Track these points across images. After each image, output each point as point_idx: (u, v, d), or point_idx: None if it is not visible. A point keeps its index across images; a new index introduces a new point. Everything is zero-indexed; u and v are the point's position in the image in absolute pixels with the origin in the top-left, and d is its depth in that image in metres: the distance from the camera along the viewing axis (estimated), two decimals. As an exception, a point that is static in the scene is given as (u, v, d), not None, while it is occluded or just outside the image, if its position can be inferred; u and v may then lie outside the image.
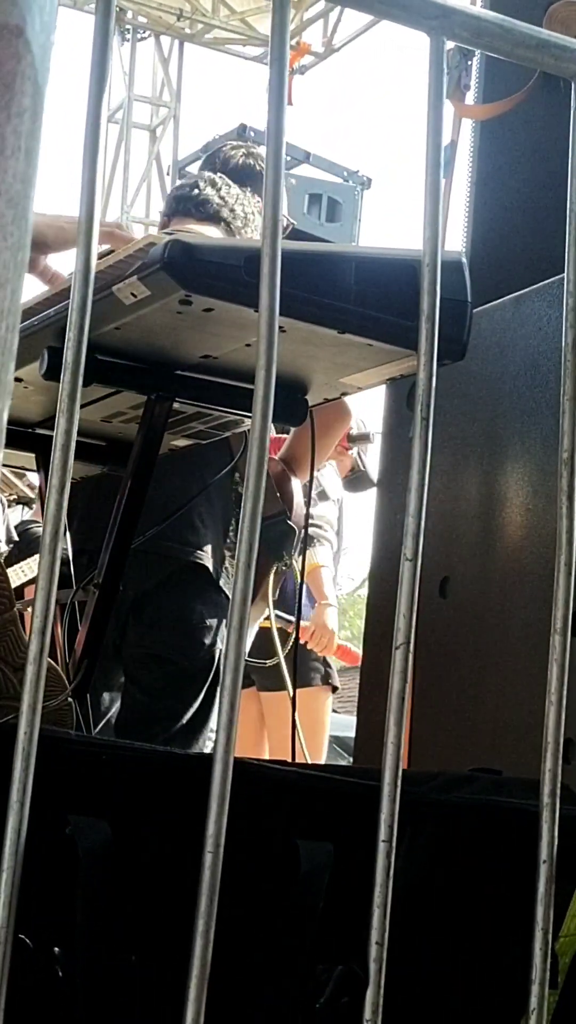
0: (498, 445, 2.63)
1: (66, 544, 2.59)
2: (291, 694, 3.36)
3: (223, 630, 3.13)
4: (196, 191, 3.32)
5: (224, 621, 3.15)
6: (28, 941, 1.40)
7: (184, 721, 3.12)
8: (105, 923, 1.43)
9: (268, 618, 3.60)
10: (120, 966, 1.47)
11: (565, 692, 1.41)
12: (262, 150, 3.33)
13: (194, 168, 12.18)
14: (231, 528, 3.16)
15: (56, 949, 1.43)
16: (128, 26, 13.73)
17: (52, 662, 2.06)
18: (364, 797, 1.43)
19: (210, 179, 3.36)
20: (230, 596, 3.20)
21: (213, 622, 3.16)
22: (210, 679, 3.15)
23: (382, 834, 1.31)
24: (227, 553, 3.17)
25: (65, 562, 2.57)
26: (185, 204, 3.33)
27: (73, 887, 1.41)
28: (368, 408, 5.79)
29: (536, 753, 1.41)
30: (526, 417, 2.55)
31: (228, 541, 3.16)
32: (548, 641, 1.41)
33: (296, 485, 3.24)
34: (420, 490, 1.40)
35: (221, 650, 3.16)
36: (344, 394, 2.27)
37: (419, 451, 1.40)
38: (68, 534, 2.58)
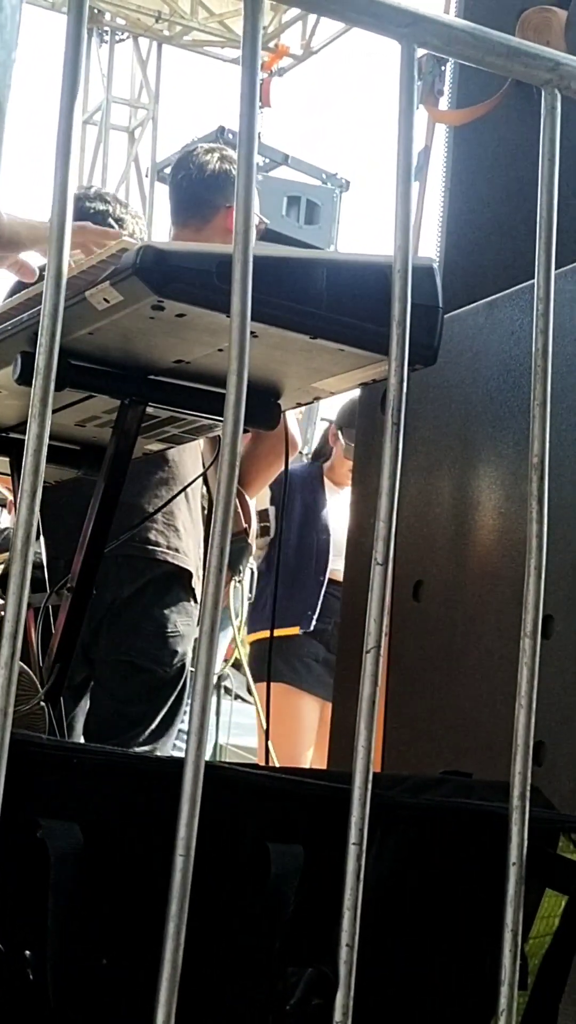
0: (471, 449, 2.65)
1: (40, 548, 2.59)
2: (265, 695, 3.38)
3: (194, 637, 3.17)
4: None
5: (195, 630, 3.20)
6: (-1, 945, 1.40)
7: (153, 726, 3.15)
8: (76, 926, 1.44)
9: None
10: (91, 969, 1.48)
11: (535, 695, 1.42)
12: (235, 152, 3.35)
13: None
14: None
15: (27, 952, 1.43)
16: (106, 28, 13.74)
17: (25, 666, 2.07)
18: (335, 800, 1.44)
19: None
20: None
21: (187, 630, 3.18)
22: (180, 685, 3.18)
23: (352, 837, 1.32)
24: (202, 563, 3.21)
25: (39, 566, 2.58)
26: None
27: (44, 890, 1.41)
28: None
29: (507, 756, 1.42)
30: (498, 422, 2.57)
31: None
32: (519, 644, 1.42)
33: (250, 504, 3.29)
34: (391, 494, 1.41)
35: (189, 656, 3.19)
36: (317, 398, 2.28)
37: (390, 455, 1.41)
38: (43, 538, 2.59)
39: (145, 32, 13.53)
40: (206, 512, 3.23)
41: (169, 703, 3.18)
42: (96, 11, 13.35)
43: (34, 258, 2.64)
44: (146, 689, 3.15)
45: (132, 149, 13.95)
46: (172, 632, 3.15)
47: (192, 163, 3.61)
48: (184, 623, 3.19)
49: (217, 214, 3.46)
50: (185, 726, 3.81)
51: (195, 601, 3.18)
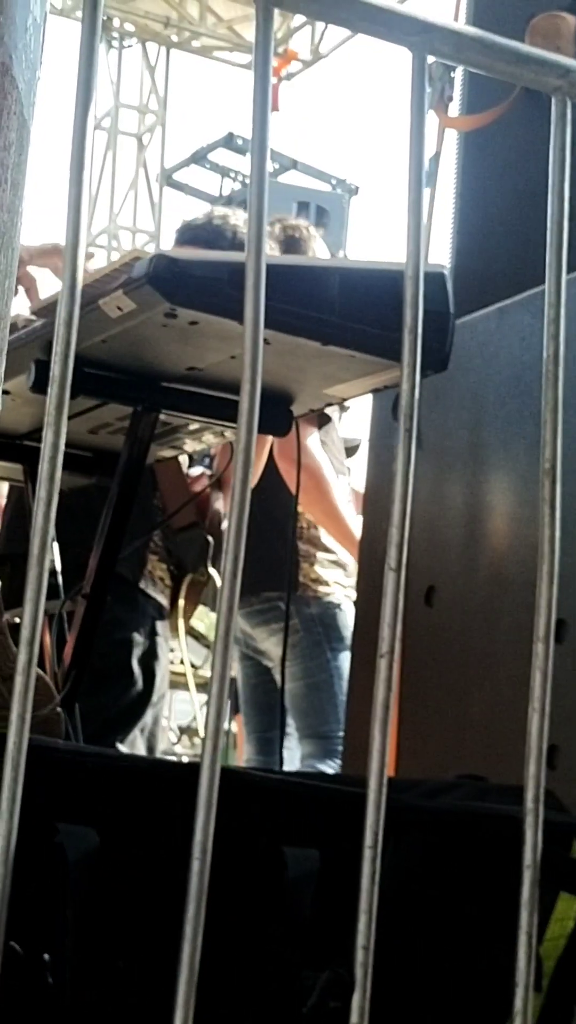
0: (482, 455, 2.65)
1: (53, 555, 2.61)
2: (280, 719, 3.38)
3: (143, 630, 3.19)
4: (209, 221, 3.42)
5: (145, 621, 3.20)
6: (18, 948, 1.41)
7: (111, 716, 3.13)
8: (94, 929, 1.45)
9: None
10: (109, 972, 1.49)
11: (548, 699, 1.43)
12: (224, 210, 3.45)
13: (181, 176, 12.18)
14: (155, 534, 3.20)
15: (46, 956, 1.44)
16: (115, 34, 13.76)
17: (41, 672, 2.08)
18: (350, 804, 1.44)
19: (222, 213, 3.48)
20: (160, 600, 3.20)
21: (128, 617, 3.17)
22: (136, 676, 3.18)
23: (367, 840, 1.32)
24: (153, 557, 3.24)
25: (53, 572, 2.59)
26: (196, 233, 3.41)
27: (62, 894, 1.42)
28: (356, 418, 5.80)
29: (521, 759, 1.42)
30: (510, 427, 2.57)
31: (153, 545, 3.22)
32: (532, 649, 1.43)
33: (215, 496, 3.29)
34: (404, 500, 1.41)
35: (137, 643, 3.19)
36: (328, 404, 2.29)
37: (403, 462, 1.41)
38: (56, 544, 2.60)
39: (153, 38, 13.56)
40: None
41: (129, 695, 3.18)
42: (105, 17, 13.34)
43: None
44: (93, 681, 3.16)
45: (141, 155, 13.98)
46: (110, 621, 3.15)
47: (206, 230, 3.63)
48: (125, 611, 3.19)
49: None
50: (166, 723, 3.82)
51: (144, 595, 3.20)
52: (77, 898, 1.42)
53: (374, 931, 1.31)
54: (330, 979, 1.56)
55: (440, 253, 3.09)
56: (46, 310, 2.17)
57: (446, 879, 1.68)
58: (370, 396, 2.64)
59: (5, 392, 2.31)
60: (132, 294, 1.90)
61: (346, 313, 1.95)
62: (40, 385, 2.04)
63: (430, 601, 2.70)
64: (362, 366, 2.06)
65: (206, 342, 1.99)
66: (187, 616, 3.42)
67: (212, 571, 3.34)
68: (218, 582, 3.29)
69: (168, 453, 2.59)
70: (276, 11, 1.43)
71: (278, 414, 2.22)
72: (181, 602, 3.37)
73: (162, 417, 2.27)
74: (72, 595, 2.40)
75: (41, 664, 2.33)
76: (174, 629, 3.42)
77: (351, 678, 3.06)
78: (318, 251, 3.94)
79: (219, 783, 1.24)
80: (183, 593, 3.36)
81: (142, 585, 3.19)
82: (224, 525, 3.28)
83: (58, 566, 2.61)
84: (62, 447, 1.26)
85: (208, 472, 3.47)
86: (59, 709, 2.13)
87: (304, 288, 1.93)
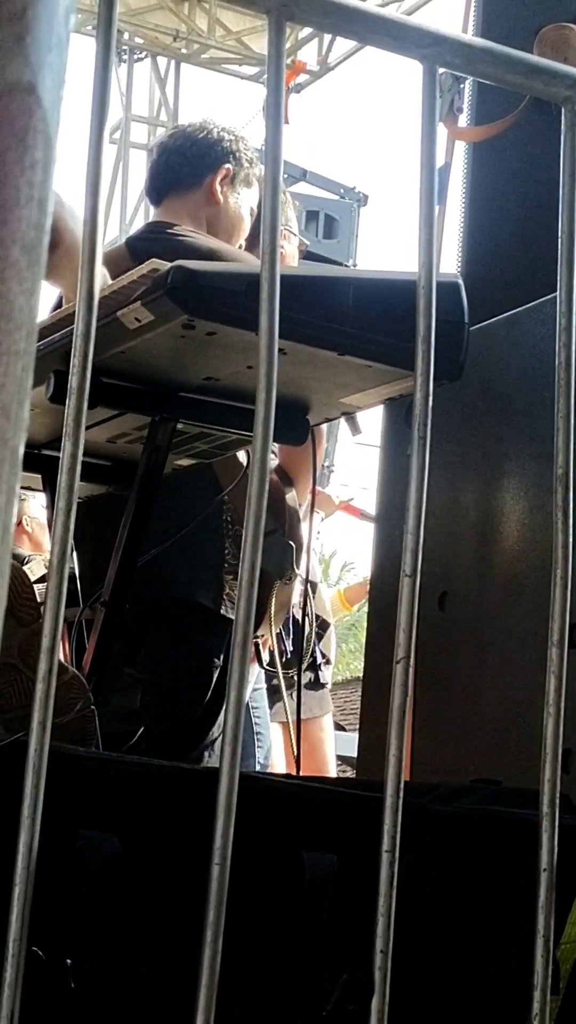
0: (494, 462, 2.67)
1: (72, 562, 2.62)
2: (296, 719, 3.35)
3: (221, 656, 3.10)
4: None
5: (222, 646, 3.04)
6: (40, 953, 1.43)
7: (182, 735, 3.11)
8: (115, 934, 1.46)
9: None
10: (130, 976, 1.50)
11: (563, 703, 1.44)
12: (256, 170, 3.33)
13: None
14: (227, 552, 3.09)
15: (68, 960, 1.46)
16: (125, 47, 13.78)
17: (75, 670, 2.08)
18: (367, 808, 1.46)
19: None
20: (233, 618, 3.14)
21: (209, 647, 3.13)
22: (209, 699, 3.13)
23: (385, 844, 1.34)
24: (229, 578, 3.08)
25: (72, 579, 2.60)
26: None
27: (84, 899, 1.44)
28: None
29: (536, 763, 1.43)
30: (522, 435, 2.59)
31: (227, 565, 3.08)
32: (546, 653, 1.44)
33: (288, 496, 3.20)
34: (418, 507, 1.43)
35: (216, 667, 3.13)
36: (344, 414, 2.31)
37: (417, 469, 1.43)
38: (74, 553, 2.62)
39: (163, 51, 13.59)
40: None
41: (194, 716, 3.17)
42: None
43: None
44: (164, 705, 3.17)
45: (151, 167, 13.99)
46: (189, 647, 3.14)
47: (168, 140, 3.53)
48: (205, 637, 3.16)
49: (203, 183, 3.26)
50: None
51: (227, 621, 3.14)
52: (98, 903, 1.44)
53: (392, 934, 1.33)
54: (348, 982, 1.58)
55: (450, 263, 3.10)
56: (65, 321, 2.19)
57: (463, 883, 1.69)
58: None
59: None
60: (150, 305, 1.92)
61: (361, 323, 1.97)
62: (59, 396, 2.06)
63: (443, 606, 2.71)
64: (377, 375, 2.07)
65: (223, 353, 2.01)
66: (278, 623, 3.34)
67: (299, 571, 3.23)
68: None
69: (186, 462, 2.60)
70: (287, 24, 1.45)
71: (295, 423, 2.24)
72: (271, 612, 3.26)
73: (180, 426, 2.29)
74: (91, 603, 2.41)
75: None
76: (266, 635, 3.32)
77: (365, 682, 3.07)
78: (291, 218, 3.81)
79: (238, 788, 1.26)
80: (272, 602, 3.23)
81: (223, 611, 3.07)
82: (303, 527, 3.22)
83: (77, 572, 2.63)
84: (80, 458, 1.28)
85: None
86: (92, 708, 2.13)
87: (319, 299, 1.95)
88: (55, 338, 2.13)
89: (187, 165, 3.25)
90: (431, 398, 1.43)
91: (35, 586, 1.95)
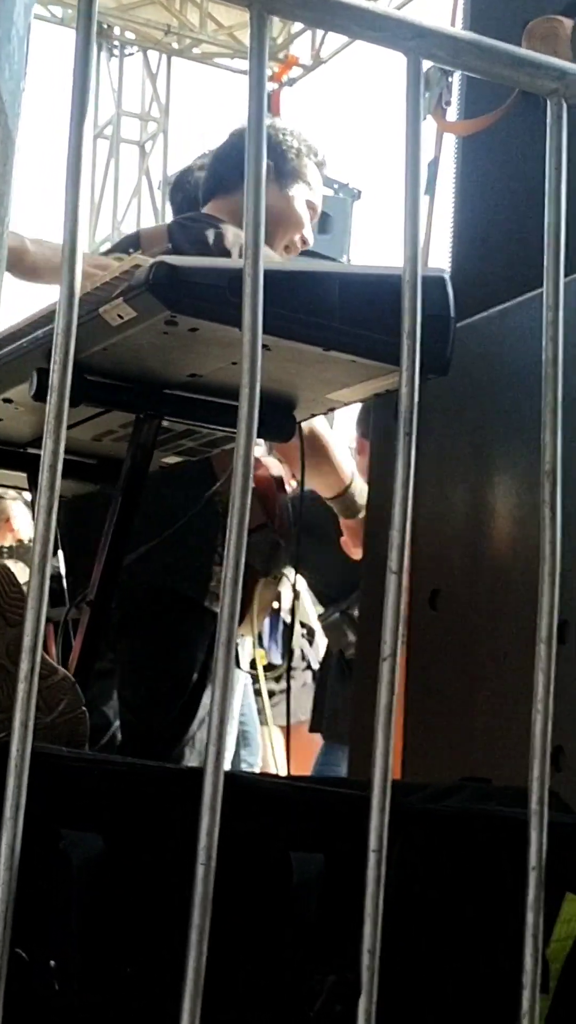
0: (485, 458, 2.66)
1: (57, 562, 2.61)
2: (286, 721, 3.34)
3: (204, 649, 3.06)
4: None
5: (206, 639, 3.07)
6: (24, 955, 1.42)
7: (164, 730, 3.08)
8: (100, 936, 1.45)
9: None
10: (116, 978, 1.49)
11: (551, 700, 1.43)
12: None
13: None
14: (219, 544, 3.06)
15: (52, 962, 1.45)
16: (115, 42, 13.77)
17: (65, 671, 2.07)
18: (355, 808, 1.45)
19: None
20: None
21: (193, 639, 3.11)
22: (191, 693, 3.11)
23: (372, 844, 1.33)
24: (218, 570, 3.05)
25: (57, 579, 2.60)
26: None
27: (67, 900, 1.43)
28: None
29: (527, 761, 1.43)
30: (512, 430, 2.58)
31: (217, 557, 3.07)
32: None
33: (280, 493, 3.18)
34: (404, 504, 1.42)
35: (198, 661, 3.11)
36: (331, 409, 2.30)
37: (402, 465, 1.42)
38: (60, 552, 2.61)
39: (154, 45, 13.57)
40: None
41: (175, 710, 3.15)
42: (105, 26, 13.38)
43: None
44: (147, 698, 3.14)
45: (143, 162, 13.98)
46: (174, 638, 3.12)
47: (188, 183, 3.62)
48: (190, 629, 3.16)
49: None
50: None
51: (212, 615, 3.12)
52: (82, 904, 1.43)
53: (380, 934, 1.32)
54: (336, 982, 1.57)
55: (440, 257, 3.09)
56: (47, 319, 2.18)
57: (451, 882, 1.68)
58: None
59: (8, 401, 2.32)
60: (132, 302, 1.91)
61: (347, 318, 1.96)
62: (42, 393, 2.05)
63: (435, 604, 2.70)
64: (364, 371, 2.07)
65: (207, 349, 2.00)
66: (261, 619, 3.32)
67: (287, 573, 3.25)
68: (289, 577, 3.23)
69: (172, 459, 2.60)
70: (276, 18, 1.44)
71: (281, 420, 2.23)
72: (255, 607, 3.27)
73: (165, 423, 2.28)
74: (77, 602, 2.41)
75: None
76: (248, 632, 3.31)
77: (356, 681, 3.06)
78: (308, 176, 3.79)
79: (223, 788, 1.25)
80: (257, 597, 3.25)
81: (207, 604, 3.07)
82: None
83: (63, 571, 2.62)
84: (62, 456, 1.27)
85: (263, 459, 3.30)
86: (83, 708, 2.12)
87: (304, 294, 1.94)
88: (38, 335, 2.13)
89: (230, 168, 3.30)
90: (417, 394, 1.42)
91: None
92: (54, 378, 1.27)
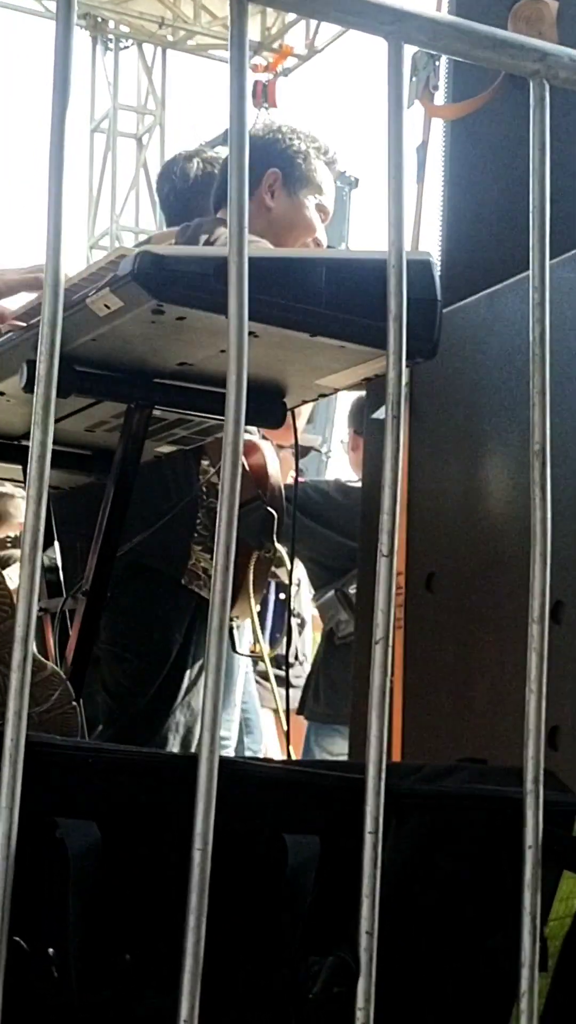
0: (478, 440, 2.66)
1: (55, 553, 2.62)
2: (285, 707, 3.34)
3: (181, 629, 3.06)
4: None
5: (183, 619, 3.07)
6: (23, 943, 1.42)
7: (140, 716, 3.05)
8: (97, 923, 1.46)
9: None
10: (114, 964, 1.50)
11: (544, 680, 1.44)
12: (218, 152, 3.35)
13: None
14: (198, 523, 3.07)
15: (51, 950, 1.45)
16: (110, 36, 13.75)
17: (54, 667, 2.08)
18: (350, 790, 1.46)
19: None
20: (204, 596, 3.09)
21: (168, 619, 3.09)
22: (169, 677, 3.08)
23: (368, 826, 1.34)
24: (197, 548, 3.09)
25: (54, 570, 2.60)
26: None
27: (65, 889, 1.43)
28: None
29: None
30: (504, 411, 2.58)
31: (196, 536, 3.08)
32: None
33: (273, 467, 3.13)
34: (393, 487, 1.42)
35: (175, 643, 3.07)
36: (322, 395, 2.30)
37: (391, 448, 1.42)
38: (56, 543, 2.61)
39: (149, 38, 13.54)
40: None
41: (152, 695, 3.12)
42: (99, 19, 13.37)
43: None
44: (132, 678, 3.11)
45: (141, 155, 13.97)
46: (148, 619, 3.08)
47: (175, 173, 3.61)
48: (164, 608, 3.09)
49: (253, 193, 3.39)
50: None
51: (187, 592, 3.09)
52: (80, 892, 1.43)
53: (377, 916, 1.33)
54: (334, 964, 1.57)
55: (431, 241, 3.09)
56: (35, 310, 2.19)
57: (448, 862, 1.69)
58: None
59: (0, 394, 2.32)
60: (118, 292, 1.91)
61: (334, 303, 1.96)
62: (32, 385, 2.05)
63: (431, 587, 2.71)
64: (352, 356, 2.07)
65: (195, 337, 2.00)
66: (257, 596, 3.29)
67: (280, 547, 3.18)
68: (286, 558, 3.20)
69: (166, 448, 2.60)
70: (271, 9, 1.44)
71: (271, 406, 2.23)
72: (250, 583, 3.20)
73: (157, 413, 2.28)
74: (73, 593, 2.41)
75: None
76: (244, 613, 3.25)
77: (355, 664, 3.06)
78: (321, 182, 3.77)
79: (218, 773, 1.26)
80: (251, 572, 3.18)
81: (183, 581, 3.05)
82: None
83: (59, 563, 2.62)
84: (50, 446, 1.27)
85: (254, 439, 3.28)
86: (74, 704, 2.13)
87: (291, 280, 1.94)
88: (27, 328, 2.13)
89: None
90: (403, 377, 1.42)
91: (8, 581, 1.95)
92: (40, 368, 1.27)
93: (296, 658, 5.54)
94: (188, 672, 3.12)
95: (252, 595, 3.13)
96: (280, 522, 3.05)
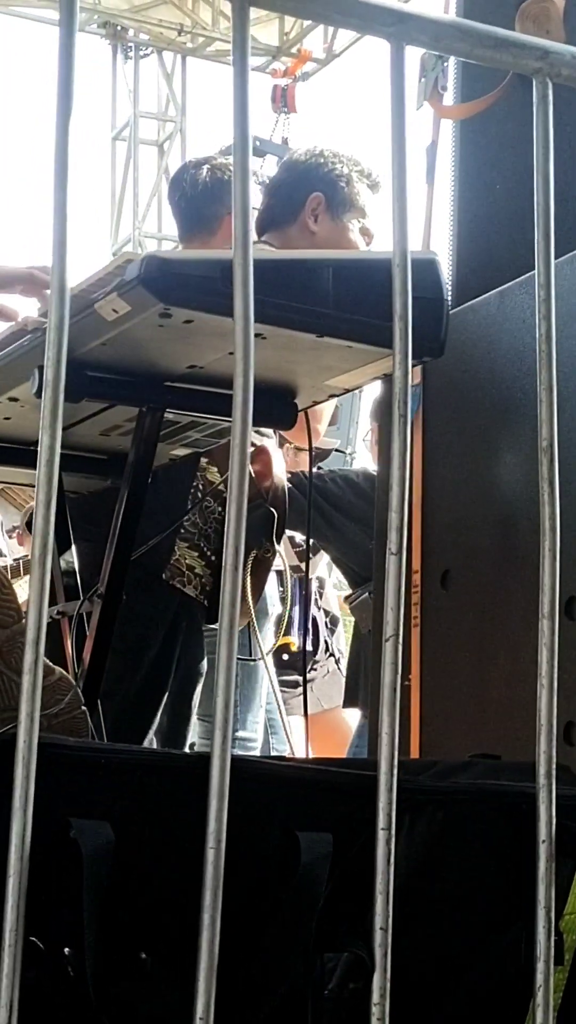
0: (492, 438, 2.66)
1: (71, 556, 2.63)
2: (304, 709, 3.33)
3: (161, 627, 3.05)
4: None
5: (164, 616, 3.06)
6: (39, 943, 1.43)
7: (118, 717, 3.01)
8: (112, 922, 1.47)
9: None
10: (130, 963, 1.51)
11: (556, 675, 1.44)
12: (229, 159, 3.36)
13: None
14: (187, 520, 3.07)
15: (67, 950, 1.46)
16: (130, 44, 13.78)
17: (63, 671, 2.09)
18: (362, 787, 1.46)
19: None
20: (188, 593, 3.07)
21: (146, 615, 3.06)
22: (147, 678, 3.05)
23: (381, 822, 1.34)
24: (183, 545, 3.09)
25: (71, 573, 2.61)
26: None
27: (80, 888, 1.44)
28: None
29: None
30: (516, 408, 2.58)
31: (183, 532, 3.07)
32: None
33: (276, 466, 3.14)
34: (401, 485, 1.43)
35: (153, 642, 3.04)
36: (332, 396, 2.31)
37: (399, 447, 1.43)
38: (73, 546, 2.62)
39: (168, 46, 13.56)
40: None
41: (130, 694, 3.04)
42: (119, 28, 13.40)
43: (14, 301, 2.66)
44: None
45: (162, 162, 13.99)
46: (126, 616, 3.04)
47: (185, 181, 3.62)
48: (142, 605, 3.02)
49: (221, 223, 3.43)
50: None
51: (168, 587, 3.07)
52: (94, 891, 1.44)
53: (391, 912, 1.33)
54: (349, 961, 1.58)
55: (441, 241, 3.09)
56: (46, 317, 2.20)
57: (462, 858, 1.69)
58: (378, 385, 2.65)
59: (14, 399, 2.34)
60: (126, 296, 1.93)
61: (341, 304, 1.97)
62: (42, 390, 2.07)
63: (445, 584, 2.71)
64: (361, 356, 2.07)
65: (203, 340, 2.01)
66: (255, 596, 3.28)
67: (279, 547, 3.19)
68: (284, 558, 3.18)
69: (181, 451, 2.61)
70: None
71: (282, 407, 2.24)
72: (248, 582, 3.19)
73: (170, 416, 2.29)
74: (89, 596, 2.42)
75: (63, 666, 2.35)
76: (244, 614, 3.20)
77: (372, 662, 3.07)
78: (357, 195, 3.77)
79: (231, 772, 1.26)
80: (248, 571, 3.17)
81: (164, 576, 3.05)
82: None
83: (76, 566, 2.63)
84: (59, 450, 1.28)
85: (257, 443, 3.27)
86: (83, 708, 2.14)
87: (297, 281, 1.95)
88: (38, 334, 2.14)
89: (279, 205, 3.32)
90: (410, 376, 1.43)
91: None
92: (48, 373, 1.28)
93: (331, 654, 5.56)
94: (171, 674, 3.08)
95: (249, 599, 3.12)
96: (281, 522, 3.05)
